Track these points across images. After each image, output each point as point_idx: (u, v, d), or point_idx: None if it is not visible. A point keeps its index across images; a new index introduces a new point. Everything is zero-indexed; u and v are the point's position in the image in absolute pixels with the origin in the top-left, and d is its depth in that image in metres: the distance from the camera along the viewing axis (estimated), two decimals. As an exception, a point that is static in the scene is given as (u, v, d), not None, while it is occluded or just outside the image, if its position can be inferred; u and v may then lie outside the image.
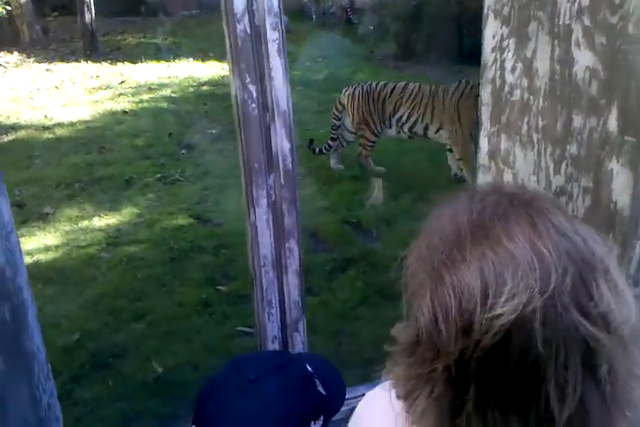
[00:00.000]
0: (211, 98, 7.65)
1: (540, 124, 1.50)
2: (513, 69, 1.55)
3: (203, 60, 9.48)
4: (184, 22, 12.00)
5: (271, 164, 1.58)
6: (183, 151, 6.10)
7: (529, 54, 1.49)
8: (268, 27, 1.46)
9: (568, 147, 1.43)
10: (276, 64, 1.49)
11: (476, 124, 5.02)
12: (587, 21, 1.30)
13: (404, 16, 8.89)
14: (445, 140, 5.10)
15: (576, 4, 1.31)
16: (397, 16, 8.98)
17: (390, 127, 5.23)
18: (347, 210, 4.75)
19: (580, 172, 1.41)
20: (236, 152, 5.73)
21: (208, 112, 7.10)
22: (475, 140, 4.93)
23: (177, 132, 6.52)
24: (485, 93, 1.67)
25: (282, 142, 1.56)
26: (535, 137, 1.53)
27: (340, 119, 5.41)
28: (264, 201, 1.59)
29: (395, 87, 5.21)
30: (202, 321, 3.51)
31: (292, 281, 1.66)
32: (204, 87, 8.28)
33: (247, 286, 3.73)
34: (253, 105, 1.52)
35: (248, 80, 1.49)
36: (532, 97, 1.51)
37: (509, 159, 1.64)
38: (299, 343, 1.72)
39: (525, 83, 1.52)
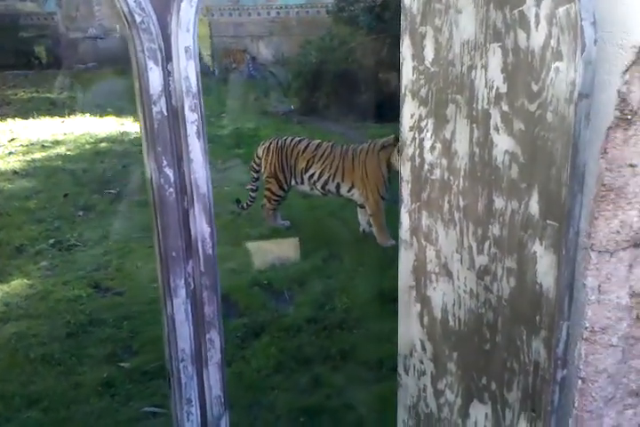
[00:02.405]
0: (109, 155, 7.40)
1: (462, 203, 1.50)
2: (432, 149, 1.56)
3: (100, 116, 9.22)
4: (80, 76, 11.69)
5: (190, 250, 1.48)
6: (80, 213, 5.79)
7: (448, 135, 1.50)
8: (186, 108, 1.39)
9: (490, 227, 1.43)
10: (195, 146, 1.42)
11: (384, 182, 5.15)
12: (505, 107, 1.32)
13: (306, 73, 9.11)
14: (358, 197, 5.19)
15: (494, 91, 1.34)
16: (299, 73, 9.19)
17: (303, 183, 5.29)
18: (257, 272, 4.64)
19: (504, 252, 1.41)
20: (137, 213, 5.42)
21: (106, 171, 6.85)
22: (384, 197, 5.06)
23: (73, 193, 6.20)
24: (405, 170, 1.66)
25: (201, 227, 1.47)
26: (457, 216, 1.52)
27: (258, 171, 5.47)
28: (182, 291, 1.48)
29: (308, 145, 5.30)
30: (104, 403, 3.22)
31: (214, 375, 1.54)
32: (102, 144, 8.00)
33: (152, 361, 3.54)
34: (170, 190, 1.43)
35: (165, 163, 1.40)
36: (452, 177, 1.52)
37: (432, 236, 1.63)
38: (221, 442, 1.58)
39: (445, 162, 1.53)
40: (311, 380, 3.43)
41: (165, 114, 1.38)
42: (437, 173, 1.55)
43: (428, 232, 1.63)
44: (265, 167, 5.36)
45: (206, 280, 1.51)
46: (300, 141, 5.36)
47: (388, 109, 8.70)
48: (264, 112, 9.53)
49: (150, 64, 1.34)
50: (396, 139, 4.99)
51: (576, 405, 1.44)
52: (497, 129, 1.35)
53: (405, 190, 1.68)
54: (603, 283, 1.40)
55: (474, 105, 1.40)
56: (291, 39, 10.81)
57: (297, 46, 9.90)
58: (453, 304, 1.58)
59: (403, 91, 1.61)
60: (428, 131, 1.56)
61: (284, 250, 5.03)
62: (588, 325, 1.40)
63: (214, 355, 1.53)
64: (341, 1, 9.03)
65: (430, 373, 1.69)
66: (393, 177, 5.14)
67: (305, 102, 9.32)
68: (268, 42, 11.69)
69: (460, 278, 1.54)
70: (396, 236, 5.20)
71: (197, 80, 1.40)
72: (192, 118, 1.41)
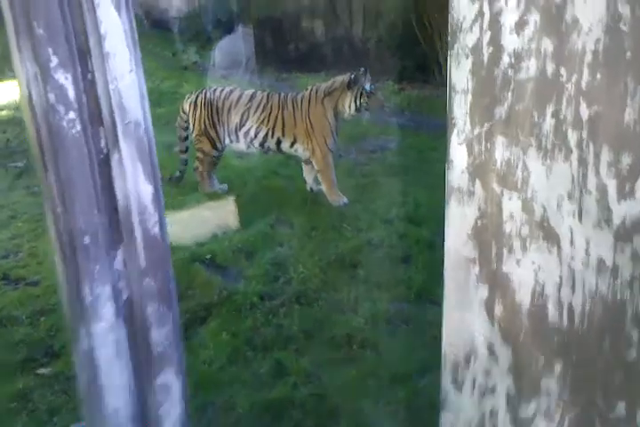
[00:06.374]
0: (12, 124, 6.55)
1: (583, 114, 0.87)
2: (520, 26, 0.91)
3: (-1, 80, 8.16)
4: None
5: (118, 229, 0.77)
6: (-20, 191, 4.98)
7: (557, -5, 0.85)
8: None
9: (649, 150, 0.81)
10: (114, 26, 0.69)
11: (332, 133, 4.51)
12: None
13: (224, 24, 8.35)
14: (302, 153, 4.53)
15: None
16: (218, 24, 8.38)
17: (238, 141, 4.60)
18: (196, 245, 3.96)
19: (683, 193, 0.80)
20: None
21: (10, 141, 6.00)
22: (332, 150, 4.44)
23: (-30, 168, 5.35)
24: (461, 73, 1.01)
25: (137, 185, 0.76)
26: (572, 137, 0.90)
27: (187, 129, 4.76)
28: (108, 307, 0.78)
29: (241, 96, 4.60)
30: (21, 421, 2.59)
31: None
32: (3, 112, 7.08)
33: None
34: (70, 115, 0.70)
35: (55, 63, 0.67)
36: (563, 69, 0.88)
37: (514, 177, 1.00)
38: None
39: (549, 46, 0.88)
40: (273, 368, 2.88)
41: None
42: (531, 66, 0.91)
43: (506, 171, 1.00)
44: (193, 124, 4.66)
45: (152, 281, 0.80)
46: (230, 92, 4.65)
47: (314, 59, 8.06)
48: (184, 67, 8.72)
49: None
50: (342, 82, 4.36)
51: None
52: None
53: (460, 107, 1.03)
54: None
55: None
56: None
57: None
58: (559, 285, 0.96)
59: None
60: (510, -5, 0.91)
61: (224, 217, 4.36)
62: None
63: (171, 409, 0.86)
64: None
65: (506, 390, 1.09)
66: (339, 127, 4.54)
67: (226, 55, 8.53)
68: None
69: (576, 243, 0.92)
70: (346, 193, 4.62)
71: None
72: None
